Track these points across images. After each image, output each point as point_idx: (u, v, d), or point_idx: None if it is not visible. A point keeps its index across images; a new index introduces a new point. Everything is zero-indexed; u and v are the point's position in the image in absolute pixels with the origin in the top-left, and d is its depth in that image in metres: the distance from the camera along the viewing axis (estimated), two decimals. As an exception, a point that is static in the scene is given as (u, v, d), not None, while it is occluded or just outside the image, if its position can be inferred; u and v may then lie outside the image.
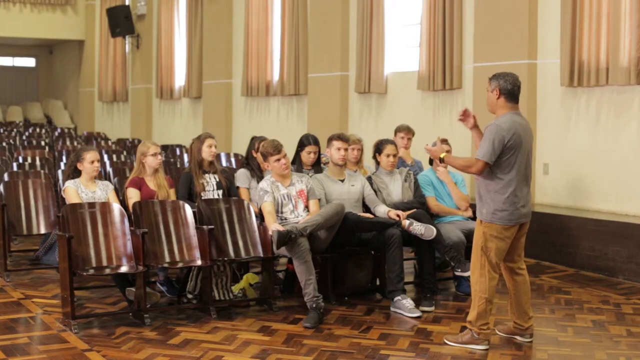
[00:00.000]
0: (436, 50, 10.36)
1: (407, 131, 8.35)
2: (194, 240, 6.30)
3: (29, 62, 26.41)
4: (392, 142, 7.15)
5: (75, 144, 14.98)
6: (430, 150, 5.76)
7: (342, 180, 6.86)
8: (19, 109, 24.28)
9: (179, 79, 17.33)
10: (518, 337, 5.62)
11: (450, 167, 7.38)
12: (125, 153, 12.32)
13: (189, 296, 6.40)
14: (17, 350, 5.27)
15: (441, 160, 5.59)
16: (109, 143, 15.72)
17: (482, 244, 5.36)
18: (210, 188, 7.07)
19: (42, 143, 14.82)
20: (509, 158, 5.26)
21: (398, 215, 6.52)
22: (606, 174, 8.56)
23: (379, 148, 7.12)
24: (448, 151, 5.63)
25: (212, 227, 6.27)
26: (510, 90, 5.32)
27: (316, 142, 7.14)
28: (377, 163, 7.21)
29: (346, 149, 6.86)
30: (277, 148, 6.47)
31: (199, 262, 6.19)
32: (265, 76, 14.07)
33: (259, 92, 14.21)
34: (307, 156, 7.13)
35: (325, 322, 6.00)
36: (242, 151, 10.26)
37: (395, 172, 7.16)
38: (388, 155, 7.03)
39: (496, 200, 5.30)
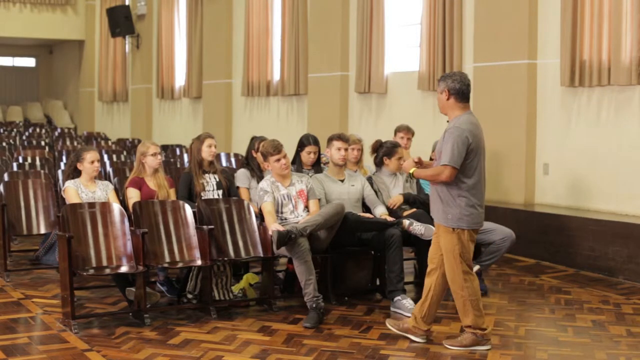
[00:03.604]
0: (436, 50, 10.36)
1: (406, 131, 8.35)
2: (194, 240, 6.30)
3: (29, 62, 26.42)
4: (398, 145, 7.16)
5: (75, 144, 14.98)
6: (402, 167, 5.78)
7: (342, 180, 6.86)
8: (19, 109, 24.29)
9: (179, 79, 17.33)
10: (412, 337, 5.53)
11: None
12: (125, 153, 12.32)
13: (189, 296, 6.39)
14: (17, 350, 5.27)
15: (412, 176, 5.56)
16: (109, 143, 15.71)
17: (458, 251, 5.28)
18: (210, 188, 7.07)
19: (42, 143, 14.82)
20: (472, 161, 5.21)
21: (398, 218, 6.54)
22: (606, 174, 8.56)
23: (389, 152, 7.07)
24: (418, 162, 5.55)
25: (212, 227, 6.27)
26: (459, 90, 5.25)
27: (316, 142, 7.14)
28: (381, 165, 7.16)
29: (346, 149, 6.86)
30: (277, 148, 6.47)
31: (199, 262, 6.19)
32: (265, 76, 14.07)
33: (259, 92, 14.22)
34: (307, 156, 7.13)
35: (325, 322, 6.00)
36: (242, 151, 10.26)
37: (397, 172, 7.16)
38: (399, 159, 7.02)
39: (462, 204, 5.24)
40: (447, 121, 5.37)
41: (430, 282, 5.49)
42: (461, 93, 5.27)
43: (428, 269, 5.53)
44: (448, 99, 5.30)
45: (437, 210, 5.38)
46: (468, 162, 5.21)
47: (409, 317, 6.11)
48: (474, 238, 5.37)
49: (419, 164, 5.47)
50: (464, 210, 5.24)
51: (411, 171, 5.51)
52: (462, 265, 5.31)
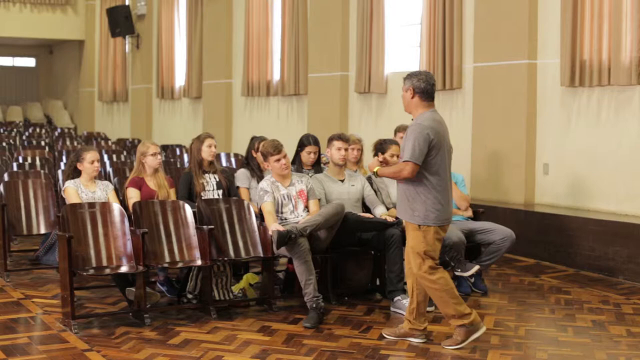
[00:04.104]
0: (436, 50, 10.36)
1: (406, 131, 8.33)
2: (194, 240, 6.30)
3: (29, 62, 26.42)
4: (396, 143, 7.14)
5: (75, 144, 14.98)
6: (368, 166, 5.82)
7: (342, 180, 6.86)
8: (19, 109, 24.28)
9: (179, 79, 17.34)
10: (411, 339, 5.51)
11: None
12: (125, 153, 12.33)
13: (189, 296, 6.39)
14: (17, 350, 5.27)
15: (376, 175, 5.57)
16: (109, 143, 15.71)
17: (424, 248, 5.28)
18: (210, 188, 7.07)
19: (42, 143, 14.81)
20: (434, 157, 5.21)
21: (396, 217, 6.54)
22: (606, 174, 8.56)
23: (382, 148, 7.07)
24: (383, 161, 5.56)
25: (212, 227, 6.27)
26: (423, 88, 5.28)
27: (316, 142, 7.14)
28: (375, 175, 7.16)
29: (346, 149, 6.86)
30: (277, 148, 6.47)
31: (199, 262, 6.19)
32: (265, 76, 14.07)
33: (259, 92, 14.22)
34: (307, 156, 7.13)
35: (325, 322, 6.00)
36: (242, 151, 10.26)
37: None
38: (392, 156, 7.01)
39: (428, 202, 5.23)
40: (412, 119, 5.38)
41: (411, 282, 5.50)
42: (425, 92, 5.30)
43: (406, 270, 5.56)
44: (412, 97, 5.34)
45: (403, 207, 5.38)
46: (431, 159, 5.21)
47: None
48: (441, 236, 5.36)
49: (384, 162, 5.51)
50: (430, 207, 5.23)
51: (375, 170, 5.55)
52: (428, 261, 5.30)
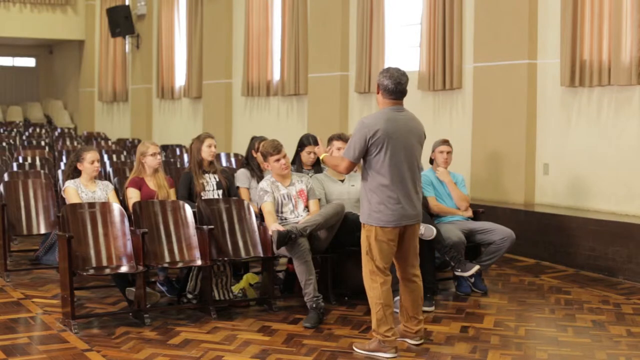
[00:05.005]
0: (436, 50, 10.36)
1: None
2: (194, 240, 6.30)
3: (29, 62, 26.41)
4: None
5: (75, 144, 14.98)
6: (316, 151, 5.87)
7: (342, 181, 6.86)
8: (19, 109, 24.28)
9: (179, 79, 17.33)
10: (408, 340, 5.47)
11: (451, 168, 7.40)
12: (125, 153, 12.32)
13: (189, 296, 6.39)
14: (17, 350, 5.27)
15: (322, 162, 5.60)
16: (109, 143, 15.71)
17: (366, 248, 5.21)
18: (210, 188, 7.07)
19: (42, 143, 14.81)
20: (376, 155, 5.08)
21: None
22: (606, 174, 8.56)
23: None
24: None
25: (212, 227, 6.27)
26: (386, 86, 5.16)
27: (316, 142, 7.13)
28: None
29: (346, 149, 6.85)
30: (277, 148, 6.47)
31: (199, 262, 6.19)
32: (265, 76, 14.07)
33: (259, 92, 14.21)
34: (307, 156, 7.14)
35: (325, 322, 6.00)
36: (242, 151, 10.26)
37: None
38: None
39: (372, 200, 5.14)
40: None
41: (400, 285, 5.47)
42: (388, 90, 5.17)
43: None
44: (378, 93, 5.26)
45: (360, 204, 5.35)
46: (373, 157, 5.11)
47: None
48: (389, 237, 5.15)
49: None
50: (373, 207, 5.14)
51: (322, 157, 5.57)
52: (370, 263, 5.20)
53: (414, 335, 5.47)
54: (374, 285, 5.22)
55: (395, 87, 5.17)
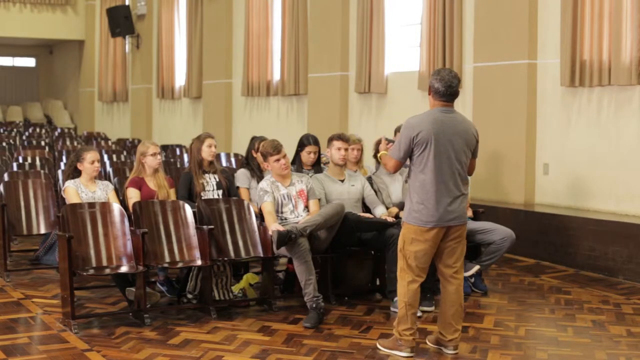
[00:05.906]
0: (436, 50, 10.36)
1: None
2: (194, 240, 6.30)
3: (29, 62, 26.41)
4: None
5: (75, 144, 14.98)
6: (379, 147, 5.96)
7: (342, 180, 6.86)
8: (19, 109, 24.28)
9: (179, 79, 17.34)
10: (443, 349, 5.36)
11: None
12: (125, 153, 12.32)
13: (189, 296, 6.39)
14: (17, 350, 5.27)
15: (379, 158, 5.66)
16: (109, 143, 15.71)
17: (401, 245, 5.23)
18: (210, 188, 7.07)
19: (42, 143, 14.81)
20: (420, 155, 5.09)
21: (395, 217, 6.54)
22: (606, 174, 8.56)
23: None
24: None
25: (212, 227, 6.27)
26: (437, 88, 5.16)
27: (316, 142, 7.14)
28: (379, 163, 7.18)
29: (346, 149, 6.86)
30: (276, 148, 6.47)
31: (199, 262, 6.19)
32: (265, 76, 14.07)
33: (259, 92, 14.22)
34: (307, 156, 7.13)
35: (325, 322, 6.00)
36: (242, 151, 10.26)
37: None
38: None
39: (414, 199, 5.16)
40: None
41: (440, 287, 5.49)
42: (438, 92, 5.17)
43: None
44: (429, 94, 5.27)
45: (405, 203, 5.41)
46: (417, 157, 5.13)
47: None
48: (425, 237, 5.13)
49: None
50: (414, 206, 5.15)
51: (379, 154, 5.66)
52: (402, 260, 5.22)
53: (448, 343, 5.31)
54: (402, 282, 5.24)
55: (446, 90, 5.17)
